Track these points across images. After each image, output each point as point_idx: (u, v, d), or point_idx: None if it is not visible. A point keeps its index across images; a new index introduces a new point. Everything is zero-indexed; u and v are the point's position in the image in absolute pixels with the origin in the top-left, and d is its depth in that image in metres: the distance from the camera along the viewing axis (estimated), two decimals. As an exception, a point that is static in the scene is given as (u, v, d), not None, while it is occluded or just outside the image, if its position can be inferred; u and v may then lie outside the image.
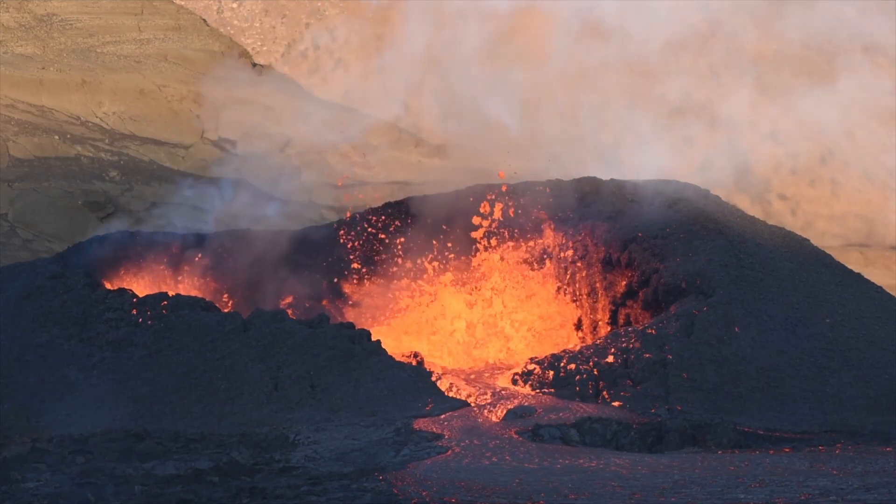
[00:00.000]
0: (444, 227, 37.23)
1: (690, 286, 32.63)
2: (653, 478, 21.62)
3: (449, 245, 37.04)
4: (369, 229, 37.68)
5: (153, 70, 64.23)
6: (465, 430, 26.35)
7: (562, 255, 36.35)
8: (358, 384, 28.92)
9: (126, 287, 33.76)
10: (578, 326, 35.93)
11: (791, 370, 30.39)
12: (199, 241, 37.52)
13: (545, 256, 36.68)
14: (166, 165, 58.68)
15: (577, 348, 32.29)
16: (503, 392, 30.74)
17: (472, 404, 29.41)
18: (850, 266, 35.88)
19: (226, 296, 36.67)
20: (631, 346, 30.79)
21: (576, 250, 36.14)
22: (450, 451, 24.42)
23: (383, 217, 38.09)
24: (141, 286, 35.55)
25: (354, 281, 36.92)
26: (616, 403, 28.94)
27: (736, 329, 30.96)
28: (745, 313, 31.43)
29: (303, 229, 39.60)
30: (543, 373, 31.10)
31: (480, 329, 36.11)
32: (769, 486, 20.52)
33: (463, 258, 36.95)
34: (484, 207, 37.39)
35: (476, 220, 37.21)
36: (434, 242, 37.15)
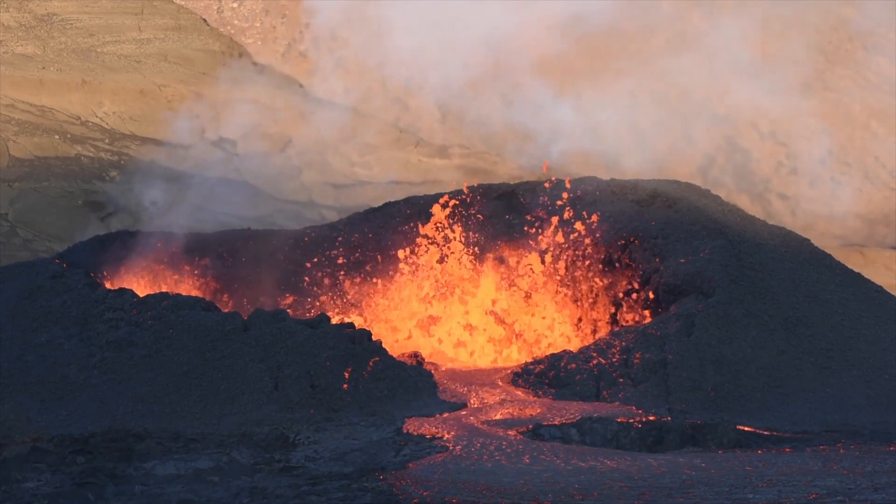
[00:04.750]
0: (444, 227, 37.24)
1: (690, 286, 32.64)
2: (661, 478, 21.61)
3: (448, 244, 37.04)
4: (370, 229, 37.68)
5: (153, 70, 64.21)
6: (466, 430, 26.34)
7: (562, 255, 36.35)
8: (358, 384, 28.93)
9: (126, 287, 33.76)
10: (578, 326, 35.93)
11: (791, 370, 30.40)
12: (199, 241, 37.52)
13: (545, 256, 36.68)
14: (166, 165, 58.67)
15: (577, 348, 32.30)
16: (503, 392, 30.75)
17: (472, 404, 29.41)
18: (850, 266, 35.88)
19: (226, 296, 36.67)
20: (631, 346, 30.80)
21: (576, 250, 36.15)
22: (450, 451, 24.41)
23: (383, 216, 38.09)
24: (141, 286, 35.55)
25: (355, 281, 36.92)
26: (616, 403, 28.95)
27: (736, 329, 30.97)
28: (745, 313, 31.43)
29: (303, 229, 39.60)
30: (543, 373, 31.11)
31: (480, 329, 36.10)
32: (777, 485, 20.51)
33: (463, 258, 36.95)
34: (484, 207, 37.42)
35: (477, 221, 37.22)
36: (433, 242, 37.15)
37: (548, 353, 32.86)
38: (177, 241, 37.25)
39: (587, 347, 31.81)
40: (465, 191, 38.17)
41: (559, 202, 37.00)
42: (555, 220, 36.73)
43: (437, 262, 36.84)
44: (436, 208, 37.39)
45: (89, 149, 59.24)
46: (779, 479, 21.18)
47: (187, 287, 36.36)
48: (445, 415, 28.01)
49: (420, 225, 37.31)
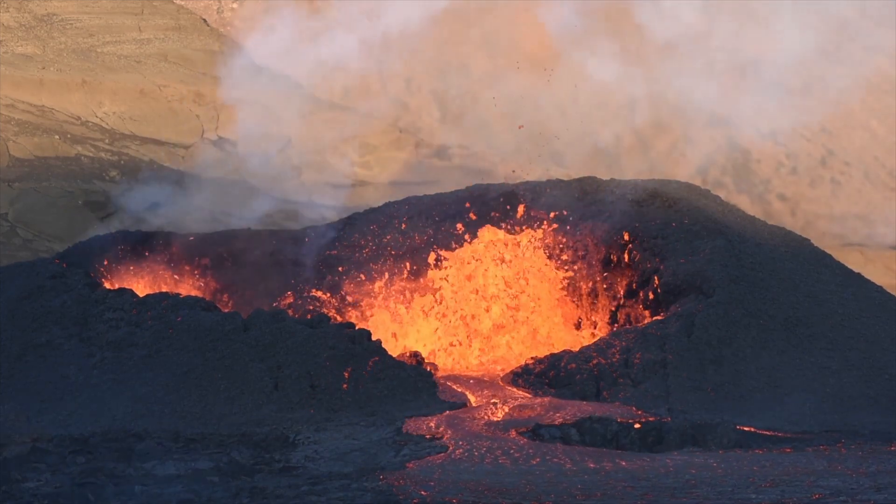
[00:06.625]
0: (443, 227, 37.23)
1: (690, 286, 32.63)
2: (663, 478, 21.60)
3: (449, 244, 37.02)
4: (370, 229, 37.67)
5: (153, 70, 64.17)
6: (466, 430, 26.34)
7: (562, 255, 36.35)
8: (358, 384, 28.93)
9: (126, 287, 33.76)
10: (578, 326, 35.93)
11: (791, 370, 30.39)
12: (200, 241, 37.54)
13: (545, 256, 36.66)
14: (166, 165, 58.67)
15: (577, 348, 32.29)
16: (503, 392, 30.75)
17: (472, 404, 29.41)
18: (850, 266, 35.88)
19: (226, 296, 36.68)
20: (631, 346, 30.79)
21: (576, 250, 36.14)
22: (450, 451, 24.41)
23: (383, 216, 38.08)
24: (141, 286, 35.56)
25: (355, 281, 36.90)
26: (616, 403, 28.94)
27: (736, 329, 30.96)
28: (745, 313, 31.43)
29: (303, 229, 39.59)
30: (543, 373, 31.10)
31: (480, 329, 36.09)
32: (780, 486, 20.51)
33: (463, 257, 36.93)
34: (484, 206, 37.42)
35: (476, 220, 37.21)
36: (433, 242, 37.13)
37: (548, 353, 32.84)
38: (177, 241, 37.27)
39: (587, 347, 31.80)
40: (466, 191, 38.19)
41: (559, 202, 37.00)
42: (554, 219, 36.72)
43: (437, 262, 36.83)
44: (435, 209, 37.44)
45: (89, 149, 59.24)
46: (781, 480, 21.18)
47: (187, 287, 36.36)
48: (445, 415, 28.01)
49: (420, 225, 37.30)
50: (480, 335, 36.01)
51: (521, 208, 37.26)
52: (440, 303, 36.43)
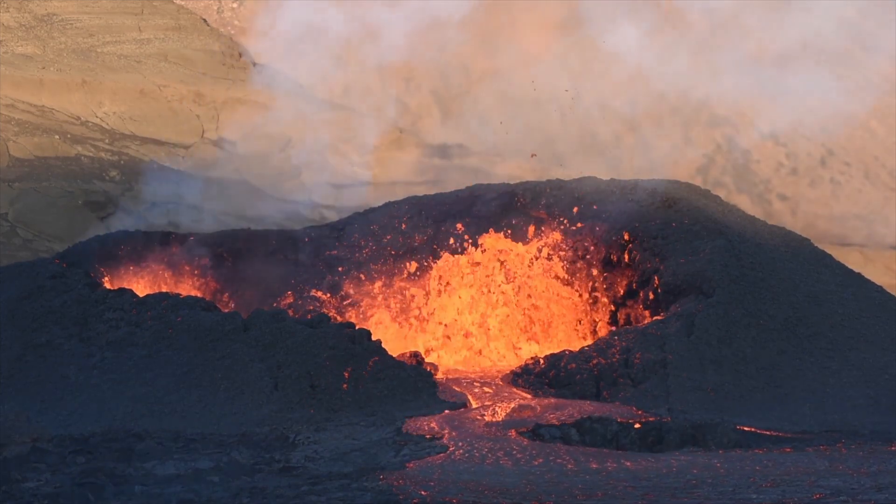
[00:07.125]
0: (443, 227, 37.23)
1: (690, 286, 32.64)
2: (665, 478, 21.59)
3: (449, 244, 37.03)
4: (370, 229, 37.67)
5: (153, 70, 64.16)
6: (466, 430, 26.33)
7: (562, 255, 36.35)
8: (358, 384, 28.93)
9: (126, 287, 33.78)
10: (578, 326, 35.93)
11: (791, 370, 30.39)
12: (200, 241, 37.56)
13: (545, 256, 36.69)
14: (166, 165, 58.67)
15: (578, 348, 32.30)
16: (503, 392, 30.75)
17: (472, 404, 29.41)
18: (850, 266, 35.89)
19: (226, 296, 36.68)
20: (631, 346, 30.80)
21: (576, 250, 36.15)
22: (450, 451, 24.40)
23: (383, 216, 38.08)
24: (141, 286, 35.57)
25: (355, 280, 36.90)
26: (616, 403, 28.95)
27: (736, 329, 30.97)
28: (745, 313, 31.43)
29: (303, 229, 39.61)
30: (543, 373, 31.10)
31: (481, 329, 36.09)
32: (781, 485, 20.49)
33: (463, 258, 36.93)
34: (484, 206, 37.42)
35: (476, 220, 37.21)
36: (433, 242, 37.13)
37: (548, 353, 32.86)
38: (177, 241, 37.27)
39: (587, 347, 31.82)
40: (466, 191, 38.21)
41: (559, 202, 37.01)
42: (555, 220, 36.73)
43: (437, 262, 36.84)
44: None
45: (89, 149, 59.23)
46: (783, 480, 21.17)
47: (187, 287, 36.39)
48: (445, 414, 28.01)
49: (420, 225, 37.31)
50: (481, 335, 36.02)
51: (521, 209, 37.27)
52: (440, 304, 36.44)
